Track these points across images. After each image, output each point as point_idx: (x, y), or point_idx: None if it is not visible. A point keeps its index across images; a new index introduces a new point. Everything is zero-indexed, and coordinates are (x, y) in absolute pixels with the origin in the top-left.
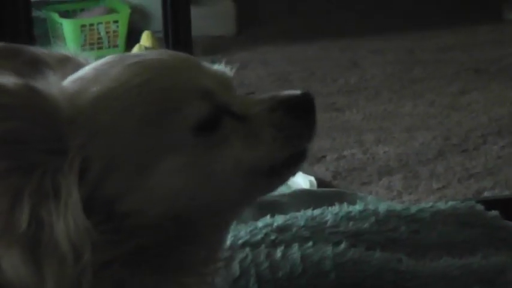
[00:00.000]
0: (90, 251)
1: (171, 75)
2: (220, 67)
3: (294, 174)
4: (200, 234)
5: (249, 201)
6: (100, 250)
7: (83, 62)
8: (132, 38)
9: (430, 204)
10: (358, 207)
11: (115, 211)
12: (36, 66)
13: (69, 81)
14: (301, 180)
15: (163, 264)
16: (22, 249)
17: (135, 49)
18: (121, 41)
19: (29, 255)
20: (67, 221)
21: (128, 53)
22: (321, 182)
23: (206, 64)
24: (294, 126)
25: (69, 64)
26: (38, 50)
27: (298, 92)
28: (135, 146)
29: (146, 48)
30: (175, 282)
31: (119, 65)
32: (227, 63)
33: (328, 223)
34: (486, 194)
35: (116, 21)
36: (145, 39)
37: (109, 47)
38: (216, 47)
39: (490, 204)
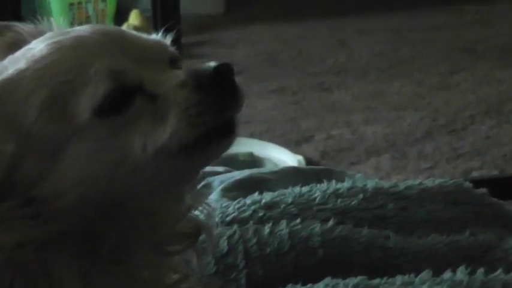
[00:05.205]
0: None
1: (78, 56)
2: (155, 36)
3: (222, 150)
4: (133, 219)
5: (175, 183)
6: (15, 232)
7: None
8: (121, 17)
9: (418, 181)
10: (346, 184)
11: (33, 196)
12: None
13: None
14: (290, 160)
15: (102, 253)
16: None
17: (123, 28)
18: (109, 19)
19: None
20: None
21: (66, 29)
22: (309, 162)
23: (135, 36)
24: (202, 104)
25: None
26: (22, 26)
27: (211, 64)
28: (41, 131)
29: (135, 27)
30: (128, 276)
31: (43, 43)
32: (215, 42)
33: (317, 200)
34: (474, 174)
35: (104, 0)
36: (134, 18)
37: None
38: (205, 26)
39: (477, 183)
